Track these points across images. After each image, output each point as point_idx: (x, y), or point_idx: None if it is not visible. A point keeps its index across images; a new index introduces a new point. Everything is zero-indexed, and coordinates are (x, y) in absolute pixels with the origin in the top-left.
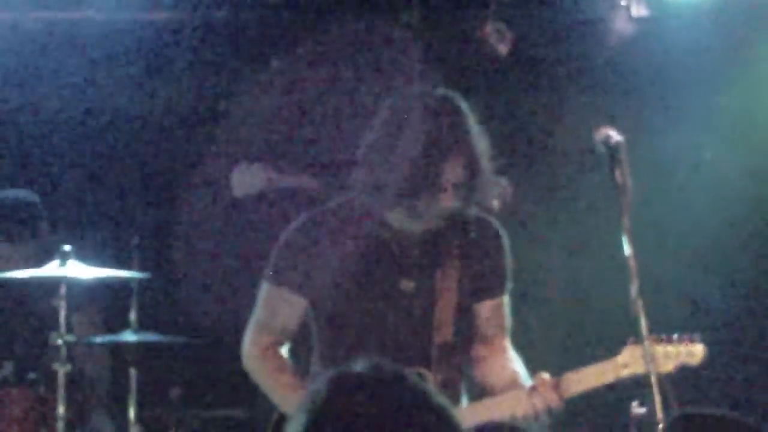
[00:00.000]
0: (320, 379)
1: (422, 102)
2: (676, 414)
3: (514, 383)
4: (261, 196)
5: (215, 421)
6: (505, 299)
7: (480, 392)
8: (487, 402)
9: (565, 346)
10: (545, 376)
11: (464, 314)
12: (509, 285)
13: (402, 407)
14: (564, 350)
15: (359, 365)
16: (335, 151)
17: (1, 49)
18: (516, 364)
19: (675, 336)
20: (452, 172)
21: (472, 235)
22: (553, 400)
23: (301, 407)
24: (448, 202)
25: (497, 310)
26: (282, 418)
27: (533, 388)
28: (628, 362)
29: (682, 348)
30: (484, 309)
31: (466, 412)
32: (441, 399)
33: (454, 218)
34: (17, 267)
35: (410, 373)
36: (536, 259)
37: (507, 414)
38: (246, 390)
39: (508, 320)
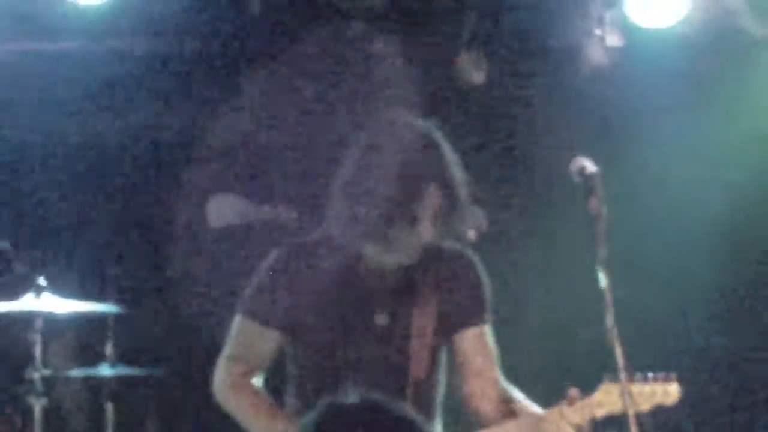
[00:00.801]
0: (311, 411)
1: (397, 132)
2: None
3: (514, 412)
4: (236, 228)
5: None
6: (487, 329)
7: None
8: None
9: (542, 376)
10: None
11: (441, 349)
12: (489, 315)
13: None
14: (541, 381)
15: (350, 397)
16: (311, 183)
17: None
18: (514, 392)
19: (650, 375)
20: (429, 203)
21: (448, 267)
22: (576, 420)
23: None
24: (426, 234)
25: (479, 340)
26: None
27: (552, 410)
28: (603, 401)
29: (658, 387)
30: (465, 339)
31: None
32: (430, 430)
33: (429, 251)
34: None
35: (399, 405)
36: (512, 290)
37: None
38: (221, 422)
39: (493, 350)
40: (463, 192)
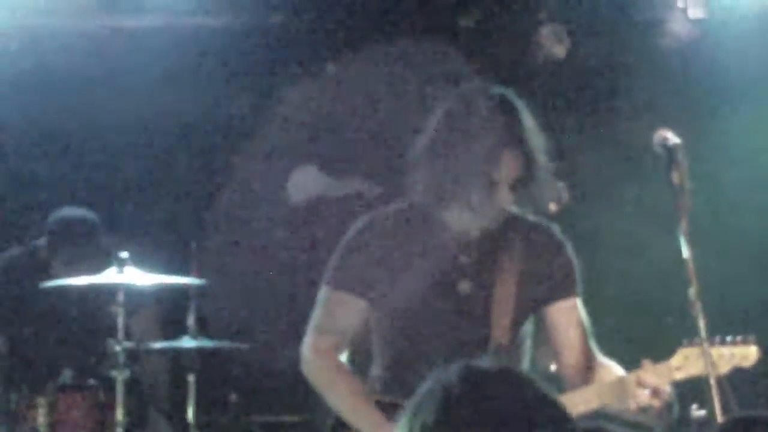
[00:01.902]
0: (448, 370)
1: (476, 99)
2: (732, 417)
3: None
4: (318, 201)
5: (273, 427)
6: (578, 302)
7: None
8: (573, 395)
9: (618, 348)
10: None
11: (521, 319)
12: (579, 288)
13: (528, 403)
14: (617, 353)
15: (484, 362)
16: (393, 155)
17: (62, 54)
18: (611, 364)
19: (728, 338)
20: (507, 168)
21: (533, 239)
22: (654, 382)
23: (429, 397)
24: (504, 199)
25: (572, 312)
26: (338, 423)
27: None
28: (681, 365)
29: (737, 350)
30: (557, 311)
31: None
32: (558, 397)
33: (512, 221)
34: (82, 275)
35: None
36: (592, 261)
37: (596, 404)
38: (304, 395)
39: (586, 322)
40: (541, 159)
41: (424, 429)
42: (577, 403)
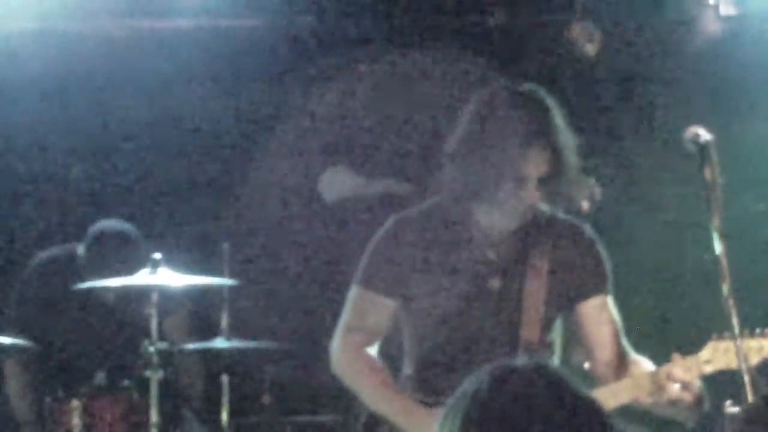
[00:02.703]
0: (479, 373)
1: (504, 97)
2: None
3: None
4: (350, 201)
5: (307, 427)
6: (609, 299)
7: None
8: (603, 390)
9: (651, 343)
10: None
11: (551, 317)
12: (610, 286)
13: (562, 401)
14: (649, 348)
15: (519, 361)
16: (424, 154)
17: (93, 57)
18: (643, 361)
19: (757, 330)
20: (535, 165)
21: (563, 238)
22: (684, 377)
23: (457, 402)
24: (533, 196)
25: (603, 309)
26: (372, 420)
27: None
28: (710, 358)
29: (766, 341)
30: (588, 309)
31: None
32: (592, 396)
33: (543, 219)
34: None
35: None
36: (625, 259)
37: (626, 399)
38: (338, 395)
39: (618, 320)
40: (571, 157)
41: None
42: (608, 397)
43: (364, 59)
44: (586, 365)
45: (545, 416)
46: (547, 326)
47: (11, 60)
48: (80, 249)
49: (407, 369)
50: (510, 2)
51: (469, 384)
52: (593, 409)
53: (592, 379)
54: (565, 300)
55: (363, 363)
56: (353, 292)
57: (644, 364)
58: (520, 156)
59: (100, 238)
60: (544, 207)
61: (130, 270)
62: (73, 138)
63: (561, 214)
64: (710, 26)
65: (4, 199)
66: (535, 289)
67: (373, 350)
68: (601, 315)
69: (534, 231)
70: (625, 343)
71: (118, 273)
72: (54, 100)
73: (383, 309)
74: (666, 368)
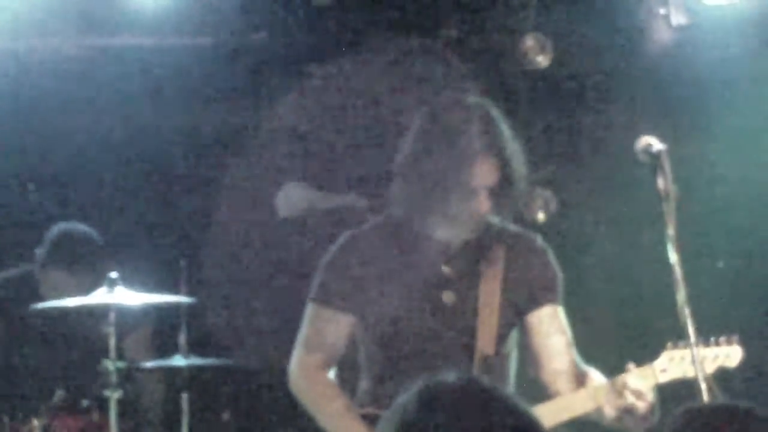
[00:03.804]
0: (408, 391)
1: (450, 108)
2: (686, 408)
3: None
4: (306, 216)
5: None
6: (560, 309)
7: None
8: (559, 401)
9: (605, 352)
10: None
11: (507, 328)
12: (560, 296)
13: (493, 418)
14: (604, 357)
15: (448, 377)
16: (378, 167)
17: (45, 75)
18: (590, 371)
19: (712, 338)
20: (483, 175)
21: (515, 248)
22: (641, 386)
23: (389, 420)
24: (483, 207)
25: (553, 319)
26: None
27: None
28: (666, 367)
29: (721, 350)
30: (538, 318)
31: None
32: (528, 409)
33: (494, 231)
34: (73, 296)
35: (494, 383)
36: (579, 269)
37: (574, 414)
38: (295, 413)
39: (568, 329)
40: (519, 167)
41: None
42: (561, 410)
43: (316, 75)
44: (532, 373)
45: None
46: (502, 337)
47: None
48: (32, 263)
49: (364, 383)
50: (461, 16)
51: (398, 401)
52: (526, 424)
53: (545, 390)
54: (517, 310)
55: (320, 386)
56: (309, 309)
57: (594, 375)
58: (469, 167)
59: (62, 235)
60: (495, 218)
61: (92, 270)
62: (27, 158)
63: (512, 226)
64: (661, 35)
65: None
66: (490, 301)
67: (331, 370)
68: (551, 325)
69: (486, 242)
70: (575, 354)
71: (80, 271)
72: (9, 118)
73: (340, 325)
74: (622, 378)
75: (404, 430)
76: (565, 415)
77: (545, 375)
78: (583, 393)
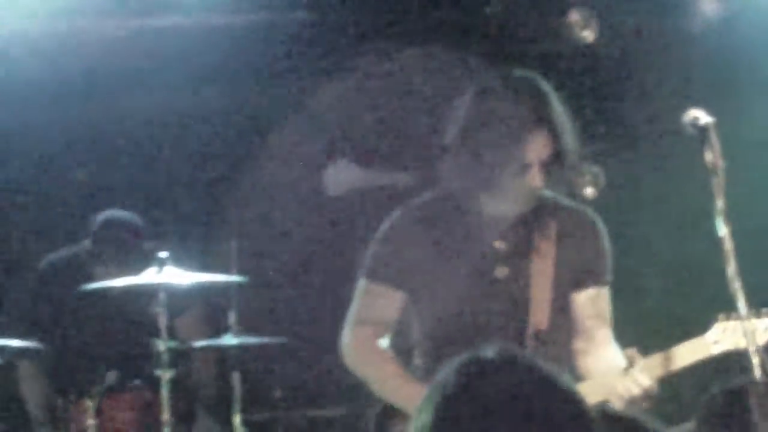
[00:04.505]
0: (447, 367)
1: (502, 84)
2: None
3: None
4: (354, 194)
5: (319, 421)
6: (605, 291)
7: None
8: (580, 387)
9: (654, 327)
10: (633, 354)
11: (560, 302)
12: (609, 277)
13: (533, 391)
14: (654, 331)
15: (488, 351)
16: (426, 144)
17: (88, 57)
18: (617, 356)
19: (764, 309)
20: (535, 149)
21: (568, 223)
22: (645, 382)
23: (429, 396)
24: (534, 181)
25: (596, 300)
26: (384, 412)
27: (625, 371)
28: (718, 339)
29: None
30: (582, 298)
31: None
32: (568, 382)
33: (547, 205)
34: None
35: (536, 357)
36: (629, 242)
37: (600, 397)
38: (348, 388)
39: (607, 312)
40: (570, 141)
41: (423, 430)
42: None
43: (363, 53)
44: None
45: (516, 409)
46: (555, 312)
47: (9, 61)
48: (84, 243)
49: (417, 359)
50: None
51: (438, 377)
52: (567, 399)
53: (580, 372)
54: (569, 286)
55: (374, 354)
56: (361, 285)
57: (612, 361)
58: (520, 142)
59: (106, 225)
60: (548, 193)
61: (137, 258)
62: (75, 139)
63: (565, 200)
64: (709, 10)
65: (5, 203)
66: (542, 275)
67: (383, 342)
68: (591, 308)
69: (539, 217)
70: (606, 338)
71: (126, 260)
72: (54, 101)
73: (391, 301)
74: (631, 371)
75: (444, 406)
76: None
77: (575, 352)
78: (594, 383)
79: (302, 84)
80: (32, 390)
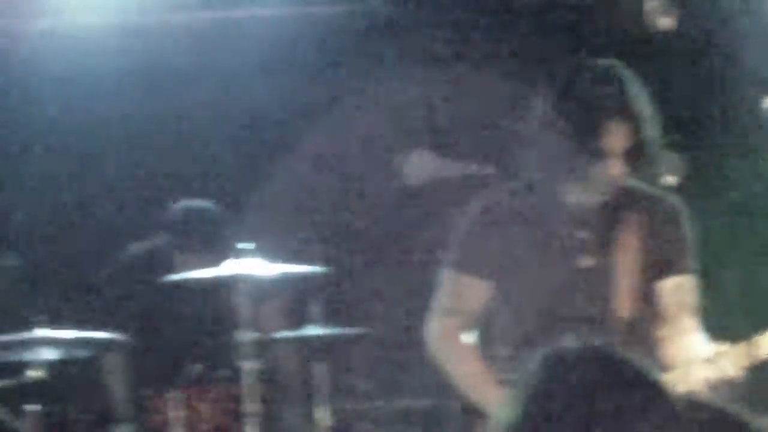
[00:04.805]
0: (532, 359)
1: (583, 71)
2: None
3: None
4: (433, 184)
5: (404, 412)
6: (690, 279)
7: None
8: (666, 376)
9: (739, 315)
10: (722, 347)
11: (645, 291)
12: (694, 265)
13: (617, 383)
14: (739, 320)
15: (572, 343)
16: (504, 134)
17: (174, 49)
18: (702, 345)
19: None
20: (617, 138)
21: (652, 211)
22: (731, 371)
23: (514, 389)
24: (615, 170)
25: (681, 289)
26: (468, 406)
27: (711, 360)
28: None
29: None
30: (667, 287)
31: None
32: (653, 373)
33: (631, 194)
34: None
35: (620, 347)
36: (712, 231)
37: (686, 387)
38: (432, 379)
39: (693, 300)
40: (652, 130)
41: (509, 427)
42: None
43: (440, 41)
44: None
45: (600, 401)
46: (641, 300)
47: (92, 55)
48: (163, 235)
49: (502, 350)
50: None
51: (523, 371)
52: (652, 391)
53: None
54: (651, 273)
55: (457, 349)
56: (446, 275)
57: (692, 349)
58: (602, 131)
59: (187, 215)
60: (633, 181)
61: (219, 248)
62: (152, 130)
63: (649, 188)
64: None
65: (93, 193)
66: (627, 264)
67: (470, 336)
68: (676, 295)
69: (623, 206)
70: (693, 325)
71: (207, 250)
72: (130, 94)
73: (477, 291)
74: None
75: (529, 400)
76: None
77: (658, 341)
78: (679, 372)
79: (380, 74)
80: (117, 383)
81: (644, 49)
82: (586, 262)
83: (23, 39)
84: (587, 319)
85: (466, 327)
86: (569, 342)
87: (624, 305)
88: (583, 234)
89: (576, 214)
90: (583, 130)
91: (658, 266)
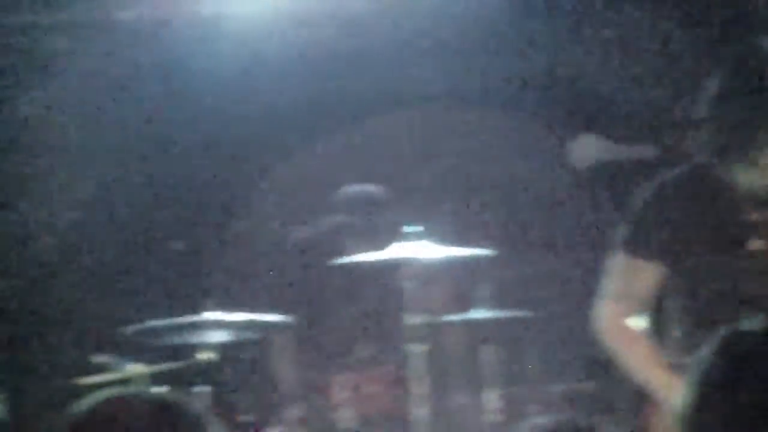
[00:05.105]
0: (708, 342)
1: (756, 54)
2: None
3: None
4: (602, 168)
5: (571, 394)
6: None
7: None
8: None
9: None
10: None
11: None
12: None
13: None
14: None
15: (750, 324)
16: (672, 118)
17: (329, 36)
18: None
19: None
20: None
21: None
22: None
23: (691, 375)
24: None
25: None
26: (637, 390)
27: None
28: None
29: None
30: None
31: None
32: None
33: None
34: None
35: None
36: None
37: None
38: (599, 362)
39: None
40: None
41: (685, 412)
42: None
43: (605, 21)
44: None
45: None
46: None
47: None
48: (332, 218)
49: (674, 333)
50: None
51: (698, 355)
52: None
53: None
54: None
55: (626, 333)
56: (618, 259)
57: None
58: None
59: (356, 199)
60: None
61: (385, 230)
62: (315, 115)
63: None
64: None
65: (257, 179)
66: None
67: (639, 319)
68: None
69: None
70: None
71: (376, 233)
72: (308, 80)
73: (648, 275)
74: None
75: (706, 384)
76: None
77: None
78: None
79: (546, 57)
80: (285, 365)
81: None
82: (756, 245)
83: (185, 26)
84: (760, 303)
85: (636, 311)
86: (747, 325)
87: None
88: (754, 217)
89: (747, 196)
90: (758, 110)
91: None
